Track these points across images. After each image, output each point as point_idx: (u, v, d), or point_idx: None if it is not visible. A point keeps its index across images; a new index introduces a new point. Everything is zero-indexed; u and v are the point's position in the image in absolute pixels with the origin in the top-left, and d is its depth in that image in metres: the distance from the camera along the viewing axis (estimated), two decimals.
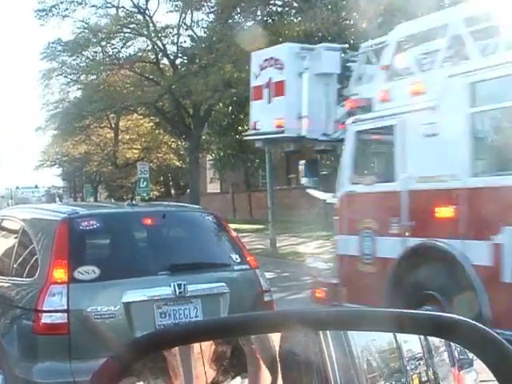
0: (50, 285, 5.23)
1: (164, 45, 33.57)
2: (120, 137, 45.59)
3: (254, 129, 10.48)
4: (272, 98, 9.95)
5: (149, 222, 5.88)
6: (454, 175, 7.07)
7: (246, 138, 12.94)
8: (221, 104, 33.48)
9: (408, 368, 1.38)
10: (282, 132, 9.73)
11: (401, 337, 1.30)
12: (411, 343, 1.35)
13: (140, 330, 5.35)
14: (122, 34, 34.71)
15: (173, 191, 50.29)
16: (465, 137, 7.00)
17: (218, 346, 1.31)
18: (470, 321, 1.19)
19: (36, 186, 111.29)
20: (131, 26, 33.92)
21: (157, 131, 42.07)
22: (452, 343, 1.31)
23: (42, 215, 6.15)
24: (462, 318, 1.20)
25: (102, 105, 33.07)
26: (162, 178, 50.99)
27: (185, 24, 32.84)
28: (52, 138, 49.39)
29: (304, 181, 9.56)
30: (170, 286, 5.42)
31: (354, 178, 8.46)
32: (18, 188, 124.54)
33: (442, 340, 1.33)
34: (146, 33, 33.12)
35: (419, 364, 1.39)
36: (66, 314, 5.18)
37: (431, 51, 8.08)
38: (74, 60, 36.65)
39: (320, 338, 1.26)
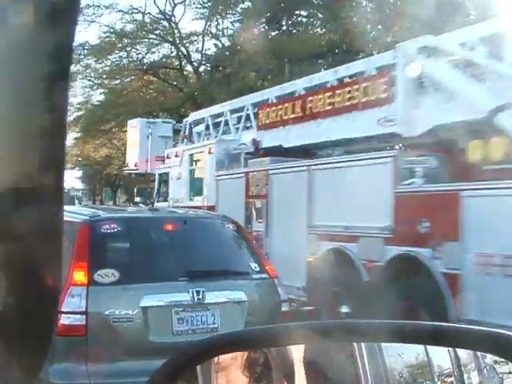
0: (69, 286, 5.25)
1: (188, 52, 33.74)
2: None
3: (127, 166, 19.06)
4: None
5: (169, 227, 5.89)
6: (183, 198, 14.12)
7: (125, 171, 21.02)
8: None
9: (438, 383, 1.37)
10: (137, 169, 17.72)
11: (431, 349, 1.28)
12: (440, 357, 1.33)
13: (157, 335, 5.37)
14: (147, 40, 34.93)
15: None
16: (184, 180, 14.43)
17: (250, 354, 1.30)
18: None
19: None
20: (156, 32, 34.13)
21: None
22: (485, 360, 1.30)
23: (67, 217, 6.17)
24: None
25: (125, 109, 33.24)
26: None
27: (210, 32, 33.00)
28: (74, 140, 49.70)
29: (137, 198, 18.47)
30: (188, 292, 5.42)
31: (158, 197, 15.87)
32: None
33: (471, 354, 1.32)
34: (171, 39, 33.29)
35: (449, 379, 1.37)
36: (84, 316, 5.20)
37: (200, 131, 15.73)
38: (98, 64, 36.94)
39: (354, 349, 1.26)
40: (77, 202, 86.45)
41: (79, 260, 5.36)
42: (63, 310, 5.19)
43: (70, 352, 5.21)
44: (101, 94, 40.17)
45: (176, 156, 14.83)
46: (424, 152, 8.55)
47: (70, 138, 49.11)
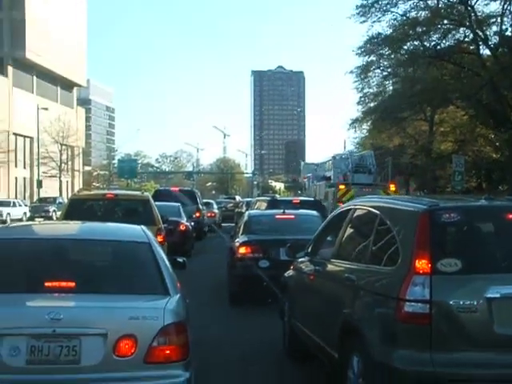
0: (412, 275, 5.32)
1: (486, 34, 32.45)
2: (434, 129, 45.10)
3: None
4: None
5: (510, 216, 5.70)
6: None
7: None
8: None
9: None
10: None
11: None
12: None
13: (501, 327, 5.23)
14: (441, 26, 34.31)
15: (484, 185, 48.43)
16: None
17: None
18: None
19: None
20: (451, 17, 33.36)
21: (473, 123, 40.81)
22: None
23: (400, 206, 6.28)
24: None
25: (421, 98, 32.98)
26: (474, 171, 49.38)
27: (510, 12, 31.40)
28: (367, 130, 50.52)
29: None
30: None
31: None
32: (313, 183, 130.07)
33: None
34: (467, 23, 32.30)
35: None
36: (428, 305, 5.23)
37: None
38: (391, 54, 37.11)
39: None
40: None
41: (421, 249, 5.39)
42: (407, 297, 5.28)
43: (414, 339, 5.29)
44: (394, 83, 40.37)
45: None
46: None
47: (365, 128, 50.06)
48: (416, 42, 35.17)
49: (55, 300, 5.52)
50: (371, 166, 36.13)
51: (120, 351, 5.15)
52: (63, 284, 5.69)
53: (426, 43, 35.22)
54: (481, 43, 33.04)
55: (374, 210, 6.60)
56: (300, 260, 8.49)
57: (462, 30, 34.39)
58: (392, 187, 32.83)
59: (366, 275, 6.13)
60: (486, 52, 33.90)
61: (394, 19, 35.05)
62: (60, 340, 5.09)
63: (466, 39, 34.42)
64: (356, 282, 6.23)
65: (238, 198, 72.83)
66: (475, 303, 5.22)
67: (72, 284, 5.70)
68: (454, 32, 34.51)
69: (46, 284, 5.66)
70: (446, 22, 33.72)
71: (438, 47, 34.68)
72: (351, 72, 39.49)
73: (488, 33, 32.50)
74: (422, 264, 5.33)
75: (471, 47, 34.44)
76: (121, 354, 5.16)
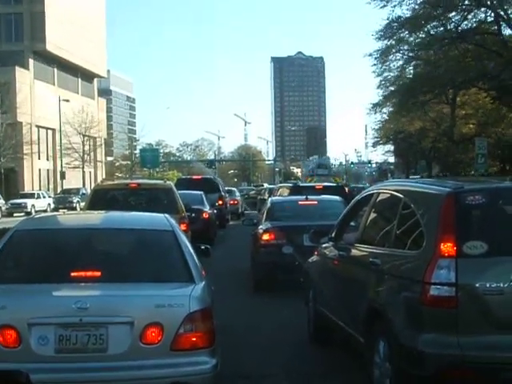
0: (437, 258, 5.28)
1: (508, 14, 32.02)
2: (456, 112, 44.71)
3: None
4: None
5: None
6: None
7: None
8: None
9: None
10: None
11: None
12: None
13: None
14: (461, 7, 33.91)
15: (507, 167, 48.00)
16: None
17: None
18: None
19: (369, 162, 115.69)
20: None
21: (495, 105, 40.39)
22: None
23: (424, 189, 6.23)
24: None
25: (443, 80, 32.66)
26: (498, 152, 48.95)
27: None
28: (388, 115, 50.24)
29: None
30: None
31: None
32: (352, 164, 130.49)
33: None
34: (488, 3, 31.89)
35: None
36: (453, 288, 5.20)
37: None
38: (411, 36, 36.76)
39: None
40: (389, 175, 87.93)
41: (446, 232, 5.35)
42: (432, 281, 5.26)
43: (440, 323, 5.26)
44: (415, 66, 40.01)
45: None
46: None
47: (386, 112, 49.77)
48: (436, 23, 34.75)
49: (82, 289, 5.57)
50: (327, 165, 68.65)
51: (147, 339, 5.19)
52: (89, 273, 5.74)
53: (446, 25, 34.82)
54: (502, 23, 32.60)
55: (397, 194, 6.56)
56: (324, 245, 8.48)
57: (482, 9, 33.96)
58: (337, 179, 63.22)
59: (391, 259, 6.10)
60: (507, 32, 33.48)
61: (415, 2, 34.70)
62: (87, 329, 5.14)
63: (488, 18, 33.99)
64: (381, 267, 6.20)
65: (265, 185, 73.09)
66: (502, 286, 5.17)
67: (98, 273, 5.74)
68: (475, 12, 34.07)
69: (73, 274, 5.72)
70: (466, 2, 33.31)
71: (459, 28, 34.28)
72: (370, 55, 39.15)
73: (510, 12, 32.03)
74: (447, 247, 5.29)
75: (493, 27, 34.00)
76: (147, 341, 5.19)
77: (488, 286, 5.18)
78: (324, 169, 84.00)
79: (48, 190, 70.04)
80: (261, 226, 13.62)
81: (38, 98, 71.97)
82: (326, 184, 25.26)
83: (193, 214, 18.36)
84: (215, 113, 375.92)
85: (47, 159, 76.72)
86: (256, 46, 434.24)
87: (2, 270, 5.90)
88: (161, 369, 5.20)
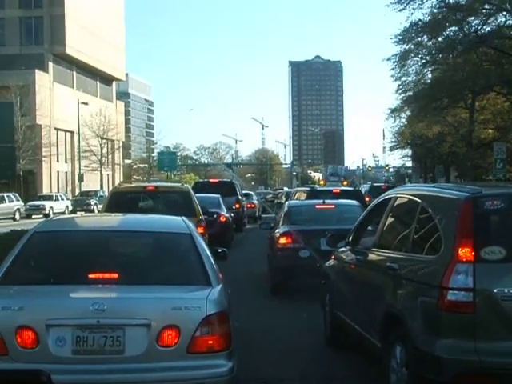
0: (455, 263, 5.26)
1: None
2: (474, 116, 44.44)
3: None
4: None
5: None
6: None
7: None
8: None
9: None
10: None
11: None
12: None
13: None
14: (481, 11, 33.75)
15: None
16: None
17: None
18: None
19: (386, 166, 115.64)
20: (491, 1, 32.80)
21: None
22: None
23: (442, 193, 6.20)
24: None
25: (461, 85, 32.49)
26: None
27: None
28: (406, 119, 50.03)
29: None
30: None
31: None
32: (369, 168, 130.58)
33: None
34: (508, 7, 31.71)
35: None
36: (471, 293, 5.17)
37: None
38: (430, 41, 36.61)
39: None
40: (407, 180, 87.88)
41: (464, 237, 5.33)
42: (450, 286, 5.23)
43: (457, 328, 5.24)
44: (433, 70, 39.81)
45: None
46: None
47: (404, 117, 49.46)
48: (456, 27, 34.60)
49: (99, 291, 5.60)
50: (339, 173, 77.90)
51: (163, 341, 5.20)
52: (107, 275, 5.77)
53: (465, 29, 34.66)
54: None
55: (415, 199, 6.54)
56: (341, 250, 8.46)
57: (502, 14, 33.77)
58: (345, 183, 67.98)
59: (408, 264, 6.08)
60: None
61: (434, 6, 34.55)
62: (104, 330, 5.16)
63: (508, 22, 33.80)
64: (398, 271, 6.18)
65: (285, 188, 73.30)
66: None
67: (115, 275, 5.76)
68: (494, 16, 33.88)
69: (90, 275, 5.75)
70: (486, 6, 33.15)
71: (479, 32, 34.10)
72: (388, 59, 39.00)
73: None
74: (465, 252, 5.26)
75: None
76: (164, 344, 5.21)
77: (506, 291, 5.15)
78: (335, 176, 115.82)
79: (66, 192, 70.40)
80: (278, 230, 13.61)
81: (57, 101, 72.43)
82: (343, 188, 25.24)
83: (210, 218, 18.38)
84: (233, 116, 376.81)
85: (65, 162, 77.11)
86: (274, 50, 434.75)
87: (21, 271, 5.94)
88: (177, 371, 5.22)
